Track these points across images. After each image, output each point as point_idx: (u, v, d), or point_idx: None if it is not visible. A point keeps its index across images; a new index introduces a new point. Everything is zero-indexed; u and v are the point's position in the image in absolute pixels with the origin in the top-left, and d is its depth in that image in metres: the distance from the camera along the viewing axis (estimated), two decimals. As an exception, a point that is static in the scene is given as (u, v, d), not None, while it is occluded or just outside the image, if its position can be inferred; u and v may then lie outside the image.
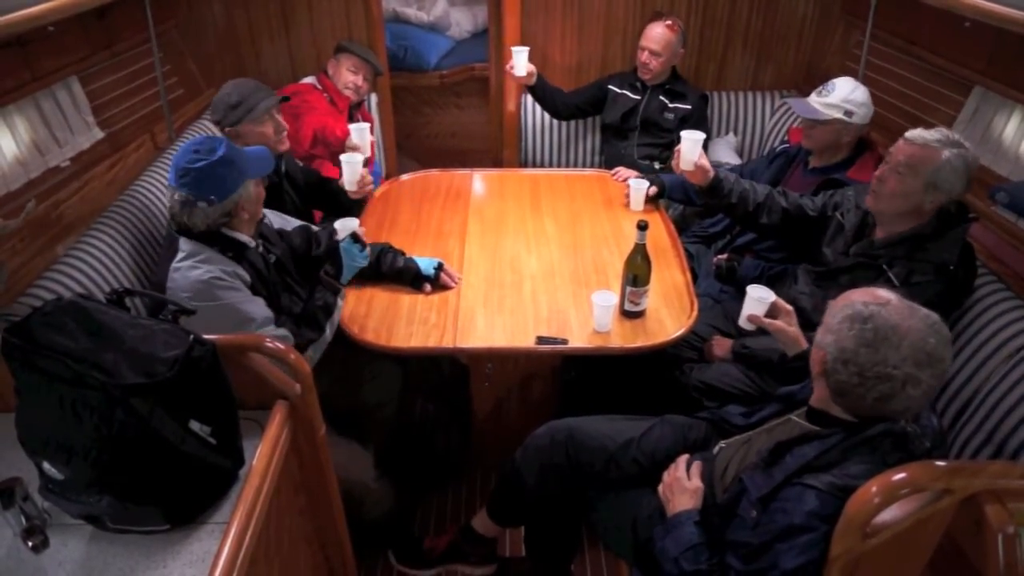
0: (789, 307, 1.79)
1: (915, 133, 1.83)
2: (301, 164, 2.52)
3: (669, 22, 2.90)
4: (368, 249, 2.05)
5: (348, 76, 2.93)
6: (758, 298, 1.79)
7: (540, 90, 3.09)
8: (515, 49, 2.91)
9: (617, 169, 2.94)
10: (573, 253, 2.39)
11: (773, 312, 1.79)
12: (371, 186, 2.47)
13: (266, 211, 2.07)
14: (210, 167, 1.68)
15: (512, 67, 2.95)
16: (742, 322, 1.83)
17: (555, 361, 2.20)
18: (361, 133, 2.56)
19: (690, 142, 2.18)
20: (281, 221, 2.15)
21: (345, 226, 2.10)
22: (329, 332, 1.91)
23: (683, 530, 1.44)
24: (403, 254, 2.22)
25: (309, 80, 2.96)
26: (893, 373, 1.22)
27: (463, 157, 4.23)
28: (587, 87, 3.19)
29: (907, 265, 1.81)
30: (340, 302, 1.97)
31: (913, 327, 1.24)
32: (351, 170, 2.38)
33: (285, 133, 2.30)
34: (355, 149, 2.57)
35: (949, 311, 1.83)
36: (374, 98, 3.31)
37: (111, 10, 2.42)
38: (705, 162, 2.20)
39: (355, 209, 2.64)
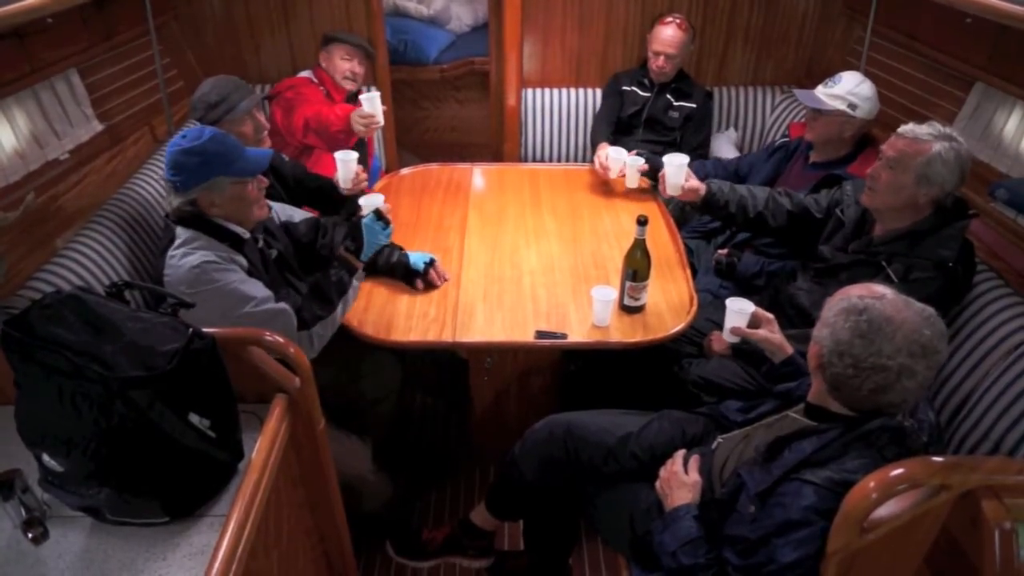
0: (769, 315, 1.80)
1: (906, 128, 1.83)
2: (288, 159, 2.51)
3: (679, 21, 2.87)
4: (392, 228, 2.01)
5: (343, 65, 2.90)
6: (738, 310, 1.80)
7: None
8: (612, 155, 2.71)
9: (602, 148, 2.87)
10: (573, 248, 2.39)
11: (754, 322, 1.80)
12: (366, 183, 2.47)
13: (273, 204, 2.07)
14: (180, 153, 1.70)
15: (607, 170, 2.72)
16: (725, 335, 1.85)
17: (554, 355, 2.20)
18: (372, 102, 2.53)
19: (674, 167, 2.24)
20: (287, 214, 2.15)
21: (369, 203, 2.10)
22: (341, 310, 1.90)
23: (681, 524, 1.45)
24: (401, 249, 2.22)
25: (305, 74, 2.95)
26: (888, 364, 1.23)
27: (463, 151, 4.22)
28: (608, 100, 3.13)
29: (906, 261, 1.81)
30: (356, 283, 1.95)
31: (908, 319, 1.25)
32: (345, 168, 2.38)
33: (266, 132, 2.29)
34: (370, 119, 2.55)
35: (948, 307, 1.83)
36: (374, 91, 3.30)
37: (110, 2, 2.41)
38: (693, 182, 2.24)
39: (349, 204, 2.64)
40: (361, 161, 3.04)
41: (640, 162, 2.63)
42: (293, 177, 2.45)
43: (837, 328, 1.29)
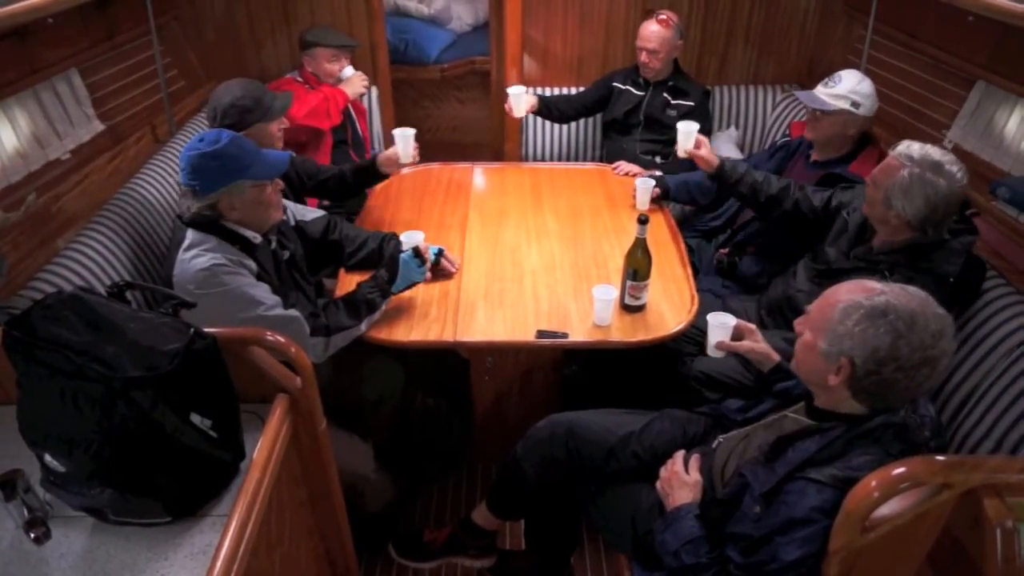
0: (751, 326, 1.78)
1: (903, 144, 1.81)
2: (294, 154, 2.52)
3: (663, 17, 2.87)
4: (428, 265, 2.05)
5: (332, 68, 2.91)
6: (720, 324, 1.78)
7: (545, 109, 3.05)
8: (511, 91, 2.84)
9: (618, 163, 2.94)
10: (574, 247, 2.38)
11: (738, 334, 1.78)
12: (418, 158, 2.50)
13: (288, 204, 2.07)
14: (199, 157, 1.70)
15: (510, 109, 2.88)
16: (710, 351, 1.82)
17: (555, 355, 2.20)
18: (406, 140, 2.53)
19: (683, 134, 2.42)
20: (301, 213, 2.16)
21: (410, 239, 2.15)
22: (364, 326, 1.93)
23: (683, 523, 1.45)
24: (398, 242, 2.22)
25: (291, 75, 2.97)
26: (932, 354, 1.22)
27: (464, 151, 4.22)
28: (593, 87, 3.15)
29: (907, 273, 1.78)
30: (384, 306, 1.98)
31: (923, 304, 1.25)
32: (405, 143, 2.43)
33: (283, 130, 2.32)
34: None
35: None
36: (375, 91, 3.30)
37: (111, 2, 2.41)
38: (704, 152, 2.36)
39: (354, 204, 2.64)
40: (359, 155, 3.06)
41: (651, 184, 2.59)
42: (305, 173, 2.47)
43: (868, 337, 1.23)
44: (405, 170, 2.73)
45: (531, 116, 3.32)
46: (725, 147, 3.20)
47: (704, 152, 2.36)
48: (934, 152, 1.76)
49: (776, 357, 1.72)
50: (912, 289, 1.28)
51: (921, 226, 1.78)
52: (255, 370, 1.39)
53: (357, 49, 3.04)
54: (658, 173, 2.90)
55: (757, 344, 1.75)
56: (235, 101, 2.17)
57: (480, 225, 2.52)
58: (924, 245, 1.81)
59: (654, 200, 2.63)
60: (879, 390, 1.27)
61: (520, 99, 2.86)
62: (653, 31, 2.87)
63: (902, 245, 1.84)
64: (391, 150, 2.45)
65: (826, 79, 2.32)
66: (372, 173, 2.50)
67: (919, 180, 1.72)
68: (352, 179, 2.50)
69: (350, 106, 3.05)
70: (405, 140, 2.43)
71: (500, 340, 1.98)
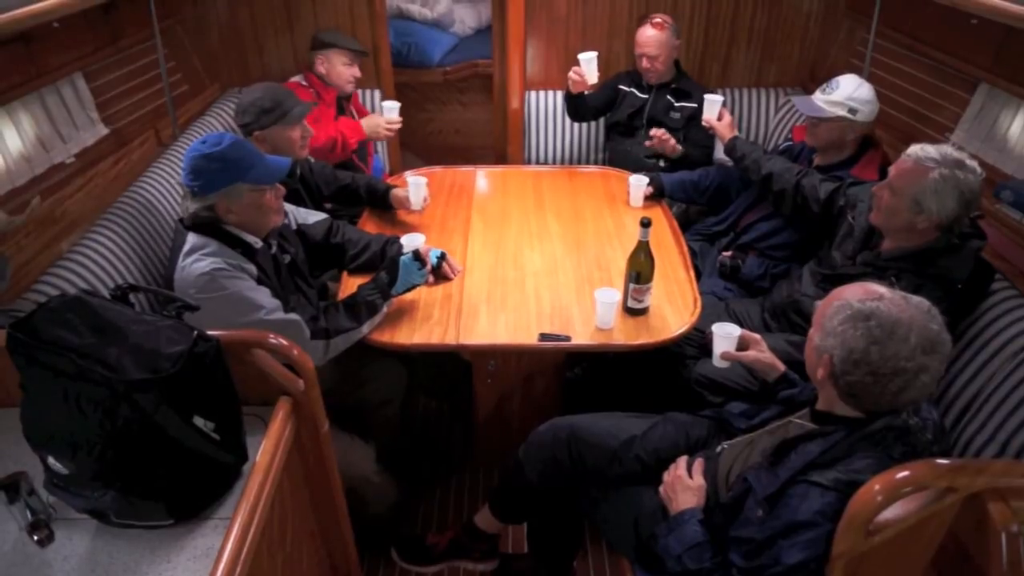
0: (756, 336, 1.77)
1: (915, 148, 1.79)
2: (313, 161, 2.53)
3: (657, 21, 2.88)
4: (428, 267, 2.05)
5: (346, 72, 2.93)
6: (725, 335, 1.78)
7: (580, 96, 3.00)
8: (584, 56, 2.76)
9: (655, 131, 2.88)
10: (576, 250, 2.38)
11: (743, 344, 1.78)
12: (427, 203, 2.50)
13: (289, 208, 2.07)
14: (200, 158, 1.71)
15: (581, 75, 2.79)
16: (716, 362, 1.81)
17: (558, 358, 2.20)
18: (393, 111, 2.55)
19: (709, 103, 2.64)
20: (303, 217, 2.16)
21: (411, 242, 2.16)
22: (366, 329, 1.93)
23: (687, 528, 1.44)
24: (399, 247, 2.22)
25: (295, 79, 2.97)
26: (906, 366, 1.23)
27: (467, 154, 4.23)
28: (602, 89, 3.13)
29: (915, 280, 1.77)
30: (385, 308, 1.98)
31: (915, 316, 1.24)
32: (416, 191, 2.43)
33: (309, 139, 2.33)
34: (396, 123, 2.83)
35: (956, 325, 1.80)
36: (377, 94, 3.31)
37: (115, 6, 2.43)
38: (722, 124, 2.59)
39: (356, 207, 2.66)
40: (361, 159, 3.07)
41: (645, 181, 2.62)
42: (323, 180, 2.49)
43: (847, 337, 1.27)
44: (414, 205, 2.55)
45: (534, 117, 3.34)
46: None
47: (722, 124, 2.57)
48: (951, 150, 1.76)
49: (781, 367, 1.71)
50: (915, 300, 1.27)
51: (950, 226, 1.76)
52: (258, 373, 1.39)
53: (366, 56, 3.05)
54: (663, 164, 2.95)
55: (762, 354, 1.74)
56: (255, 100, 2.19)
57: (482, 228, 2.52)
58: (933, 250, 1.80)
59: (648, 198, 2.66)
60: (854, 391, 1.30)
61: (593, 64, 2.79)
62: (650, 36, 2.88)
63: (911, 251, 1.83)
64: (404, 193, 2.46)
65: (824, 85, 2.32)
66: (383, 199, 2.52)
67: (952, 179, 1.70)
68: (364, 195, 2.54)
69: (353, 109, 3.07)
70: (417, 188, 2.43)
71: (502, 343, 1.98)
